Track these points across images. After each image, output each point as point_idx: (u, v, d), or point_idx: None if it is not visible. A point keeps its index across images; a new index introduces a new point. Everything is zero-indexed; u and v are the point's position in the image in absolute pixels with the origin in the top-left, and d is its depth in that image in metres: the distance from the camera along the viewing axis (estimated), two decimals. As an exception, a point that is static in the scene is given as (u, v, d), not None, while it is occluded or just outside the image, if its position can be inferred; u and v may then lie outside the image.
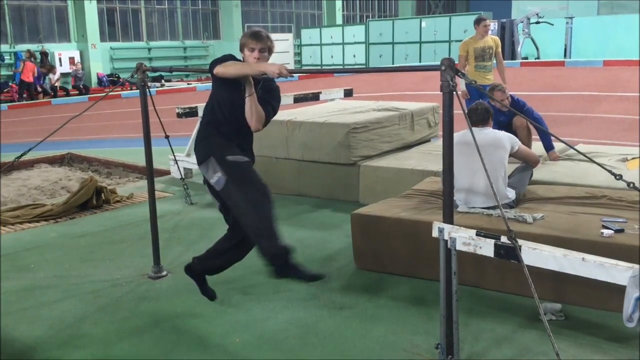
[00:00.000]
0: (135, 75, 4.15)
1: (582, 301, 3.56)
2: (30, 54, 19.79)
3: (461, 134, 3.87)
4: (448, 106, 2.65)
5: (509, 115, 5.76)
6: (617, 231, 3.60)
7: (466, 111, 4.25)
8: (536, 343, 3.18)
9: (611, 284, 2.33)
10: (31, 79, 19.23)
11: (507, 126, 5.64)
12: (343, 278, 4.21)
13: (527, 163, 4.50)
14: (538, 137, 5.99)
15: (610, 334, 3.24)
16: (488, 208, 4.11)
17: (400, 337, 3.31)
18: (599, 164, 2.71)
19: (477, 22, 7.80)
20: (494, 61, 7.89)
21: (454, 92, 2.63)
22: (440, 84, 2.64)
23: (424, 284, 3.97)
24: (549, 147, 5.83)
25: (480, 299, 3.74)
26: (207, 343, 3.35)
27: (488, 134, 4.24)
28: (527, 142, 5.67)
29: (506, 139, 4.27)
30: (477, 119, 4.28)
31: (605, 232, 3.59)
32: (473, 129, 4.15)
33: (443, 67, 2.61)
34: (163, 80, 22.53)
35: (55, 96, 20.04)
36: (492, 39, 7.84)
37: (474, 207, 4.16)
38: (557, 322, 3.39)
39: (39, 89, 19.83)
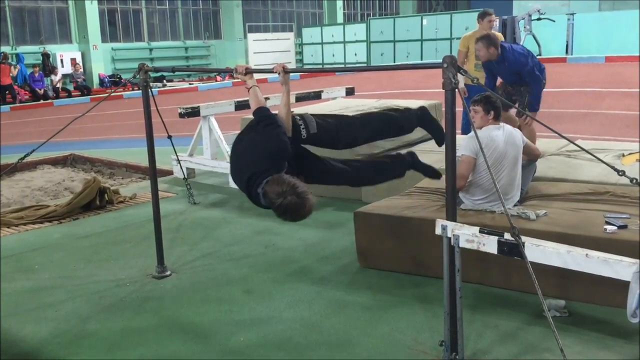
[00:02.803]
0: (138, 76, 4.16)
1: (586, 297, 3.56)
2: (5, 56, 19.54)
3: (482, 134, 3.84)
4: (450, 103, 2.66)
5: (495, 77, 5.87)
6: (621, 227, 3.59)
7: (484, 104, 4.20)
8: (541, 340, 3.18)
9: (615, 280, 2.33)
10: (8, 81, 19.13)
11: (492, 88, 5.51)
12: (347, 276, 4.21)
13: (531, 157, 4.48)
14: (543, 133, 5.97)
15: (615, 330, 3.24)
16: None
17: (404, 335, 3.31)
18: (602, 161, 2.71)
19: (482, 16, 7.35)
20: None
21: (456, 90, 2.63)
22: (442, 82, 2.64)
23: (428, 281, 3.98)
24: (532, 108, 5.71)
25: (484, 296, 3.74)
26: (212, 342, 3.36)
27: (508, 131, 4.17)
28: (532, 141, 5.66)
29: (518, 134, 4.25)
30: (498, 113, 4.18)
31: (609, 228, 3.59)
32: (492, 126, 4.16)
33: (445, 65, 2.61)
34: (165, 81, 22.55)
35: (57, 97, 20.07)
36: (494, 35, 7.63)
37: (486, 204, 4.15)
38: (561, 319, 3.38)
39: (40, 92, 19.81)
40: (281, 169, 3.13)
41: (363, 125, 3.74)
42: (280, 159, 3.19)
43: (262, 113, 3.35)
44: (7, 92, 19.05)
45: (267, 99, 7.21)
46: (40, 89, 19.90)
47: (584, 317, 3.43)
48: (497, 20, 21.09)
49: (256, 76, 3.65)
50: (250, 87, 3.47)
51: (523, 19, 20.63)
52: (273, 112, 3.47)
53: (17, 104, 18.66)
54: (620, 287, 2.46)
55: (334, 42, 27.10)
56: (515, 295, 3.71)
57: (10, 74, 19.29)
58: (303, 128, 3.53)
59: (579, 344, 3.11)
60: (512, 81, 6.00)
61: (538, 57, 20.29)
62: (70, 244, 5.18)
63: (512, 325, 3.36)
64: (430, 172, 4.01)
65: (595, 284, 3.39)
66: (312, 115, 3.64)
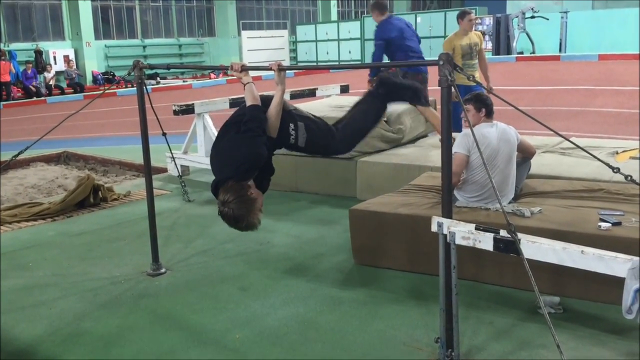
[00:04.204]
0: (132, 73, 4.14)
1: (580, 294, 3.57)
2: (2, 53, 19.37)
3: (475, 132, 3.85)
4: (446, 101, 2.66)
5: None
6: (615, 224, 3.61)
7: (475, 102, 4.21)
8: (535, 336, 3.19)
9: (609, 276, 2.33)
10: (7, 78, 19.00)
11: None
12: (342, 273, 4.21)
13: (526, 154, 4.49)
14: (531, 130, 5.99)
15: (609, 326, 3.26)
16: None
17: (400, 332, 3.32)
18: (597, 158, 2.72)
19: (462, 16, 7.19)
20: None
21: (452, 87, 2.63)
22: (438, 79, 2.64)
23: (423, 278, 3.98)
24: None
25: (479, 293, 3.75)
26: (207, 339, 3.36)
27: (501, 128, 4.18)
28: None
29: (513, 132, 4.26)
30: (489, 111, 4.19)
31: (603, 225, 3.60)
32: (484, 124, 4.17)
33: (441, 62, 2.61)
34: (158, 78, 22.48)
35: (50, 95, 19.97)
36: (476, 35, 7.32)
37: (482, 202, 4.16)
38: (556, 315, 3.40)
39: (33, 89, 19.71)
40: (246, 178, 3.15)
41: (351, 134, 3.69)
42: (247, 170, 3.18)
43: (253, 113, 3.31)
44: (2, 88, 18.93)
45: (262, 96, 7.21)
46: (33, 83, 19.77)
47: (578, 313, 3.44)
48: (489, 19, 21.20)
49: (250, 74, 3.64)
50: (246, 84, 3.45)
51: (517, 17, 20.70)
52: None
53: (10, 102, 18.55)
54: (614, 284, 2.47)
55: (328, 40, 27.08)
56: (509, 292, 3.73)
57: (10, 71, 19.19)
58: (293, 138, 3.47)
59: (573, 340, 3.12)
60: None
61: (532, 54, 20.31)
62: (64, 241, 5.16)
63: (507, 322, 3.37)
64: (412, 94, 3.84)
65: (589, 281, 3.40)
66: (308, 120, 3.58)
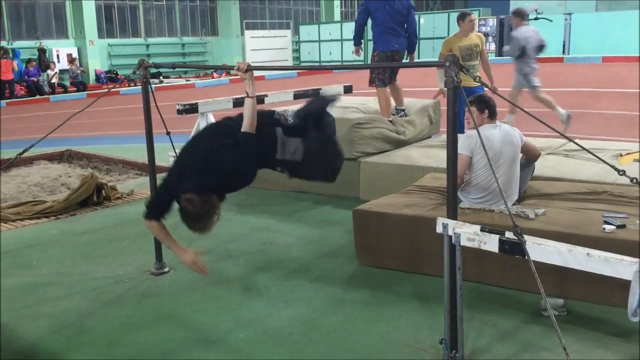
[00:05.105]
0: (137, 72, 4.14)
1: (585, 296, 3.57)
2: (5, 51, 19.33)
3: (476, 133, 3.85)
4: (452, 102, 2.66)
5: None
6: (619, 227, 3.60)
7: (478, 104, 4.20)
8: (539, 338, 3.19)
9: (613, 279, 2.33)
10: (10, 77, 18.99)
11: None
12: (345, 274, 4.21)
13: (530, 156, 4.48)
14: (533, 132, 5.98)
15: (613, 329, 3.25)
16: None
17: (403, 333, 3.32)
18: (603, 160, 2.72)
19: (462, 17, 7.17)
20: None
21: (459, 88, 2.63)
22: (444, 80, 2.64)
23: (426, 279, 3.98)
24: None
25: (483, 294, 3.75)
26: (211, 339, 3.36)
27: (505, 130, 4.17)
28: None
29: (516, 133, 4.25)
30: (492, 112, 4.19)
31: (607, 227, 3.60)
32: (487, 125, 4.17)
33: (447, 63, 2.61)
34: (161, 77, 22.49)
35: (53, 93, 19.99)
36: (477, 36, 7.30)
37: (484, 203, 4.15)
38: (560, 317, 3.39)
39: (34, 80, 19.67)
40: (213, 189, 3.30)
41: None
42: (228, 189, 3.38)
43: (247, 142, 3.28)
44: (6, 86, 18.93)
45: (265, 96, 7.22)
46: (34, 79, 19.76)
47: (582, 315, 3.44)
48: (493, 20, 21.20)
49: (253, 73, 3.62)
50: (249, 97, 3.33)
51: (520, 18, 20.65)
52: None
53: (13, 99, 18.56)
54: (618, 286, 2.47)
55: (331, 40, 27.08)
56: (513, 294, 3.72)
57: (13, 69, 19.20)
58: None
59: (577, 343, 3.12)
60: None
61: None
62: (67, 240, 5.16)
63: (511, 324, 3.37)
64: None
65: (593, 283, 3.40)
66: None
